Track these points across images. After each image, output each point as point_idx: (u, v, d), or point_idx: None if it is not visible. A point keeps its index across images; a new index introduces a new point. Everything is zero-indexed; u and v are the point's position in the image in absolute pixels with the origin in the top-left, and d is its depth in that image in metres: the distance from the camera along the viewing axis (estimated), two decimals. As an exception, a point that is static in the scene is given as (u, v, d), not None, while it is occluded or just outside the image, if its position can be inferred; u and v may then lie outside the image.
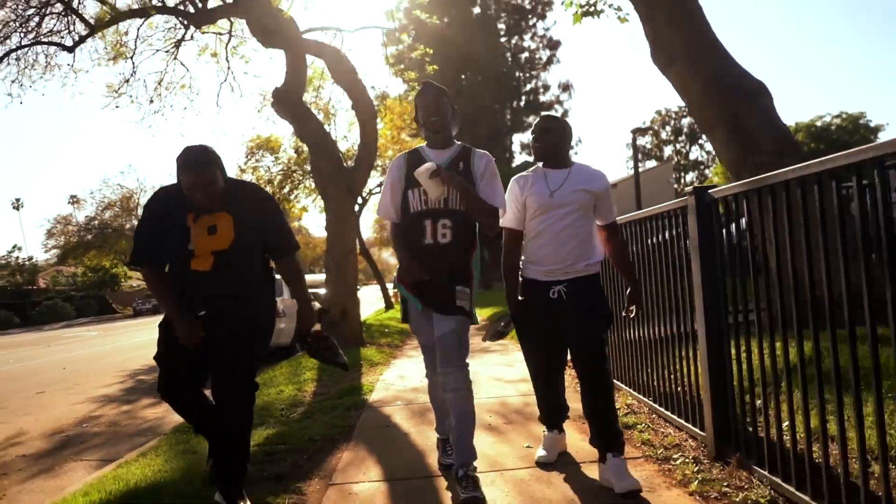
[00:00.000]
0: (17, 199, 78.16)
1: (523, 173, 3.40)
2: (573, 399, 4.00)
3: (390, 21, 17.13)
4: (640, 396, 4.55)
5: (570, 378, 5.24)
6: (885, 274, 2.06)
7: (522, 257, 3.39)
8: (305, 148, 17.57)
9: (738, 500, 2.72)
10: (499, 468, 3.51)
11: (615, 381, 5.02)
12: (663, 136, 66.56)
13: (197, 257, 3.00)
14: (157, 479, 3.66)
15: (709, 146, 53.97)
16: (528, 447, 3.87)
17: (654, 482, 3.09)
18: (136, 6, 13.25)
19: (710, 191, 3.30)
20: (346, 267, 10.32)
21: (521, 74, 46.60)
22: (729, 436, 3.22)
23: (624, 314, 3.85)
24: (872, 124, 41.59)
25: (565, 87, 46.87)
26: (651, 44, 7.55)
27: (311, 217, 62.57)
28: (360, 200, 19.73)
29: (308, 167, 19.65)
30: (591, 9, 8.62)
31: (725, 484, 2.92)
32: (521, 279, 3.39)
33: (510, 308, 3.40)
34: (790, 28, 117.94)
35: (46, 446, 5.84)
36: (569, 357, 3.43)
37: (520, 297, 3.37)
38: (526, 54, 46.98)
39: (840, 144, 34.82)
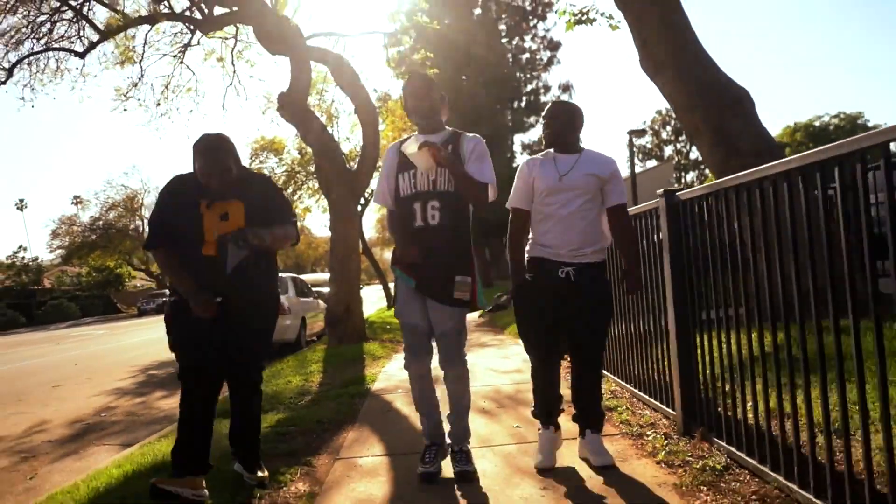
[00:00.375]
0: (21, 200, 78.71)
1: (534, 157, 3.46)
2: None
3: (392, 23, 17.50)
4: (623, 383, 4.92)
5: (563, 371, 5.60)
6: (820, 270, 2.43)
7: (529, 238, 3.44)
8: (309, 150, 17.99)
9: (697, 466, 3.09)
10: (490, 444, 3.88)
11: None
12: (664, 135, 66.84)
13: (208, 243, 3.12)
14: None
15: (709, 146, 54.17)
16: (517, 427, 4.24)
17: (626, 454, 3.47)
18: (144, 12, 13.66)
19: (678, 193, 3.67)
20: (350, 266, 10.69)
21: (522, 75, 46.92)
22: (694, 414, 3.59)
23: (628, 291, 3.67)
24: (871, 124, 41.94)
25: (566, 88, 47.15)
26: (640, 52, 7.91)
27: (313, 217, 63.08)
28: (362, 201, 20.12)
29: (311, 168, 20.05)
30: (584, 17, 8.97)
31: (689, 454, 3.29)
32: (526, 258, 3.41)
33: (515, 281, 3.39)
34: (789, 28, 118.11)
35: (69, 433, 6.23)
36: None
37: (527, 276, 3.35)
38: (527, 55, 47.28)
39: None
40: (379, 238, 41.11)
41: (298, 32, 10.55)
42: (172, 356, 3.22)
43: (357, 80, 10.70)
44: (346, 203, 10.56)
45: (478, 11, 44.56)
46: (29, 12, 13.68)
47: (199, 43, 14.78)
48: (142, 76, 15.17)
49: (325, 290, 12.75)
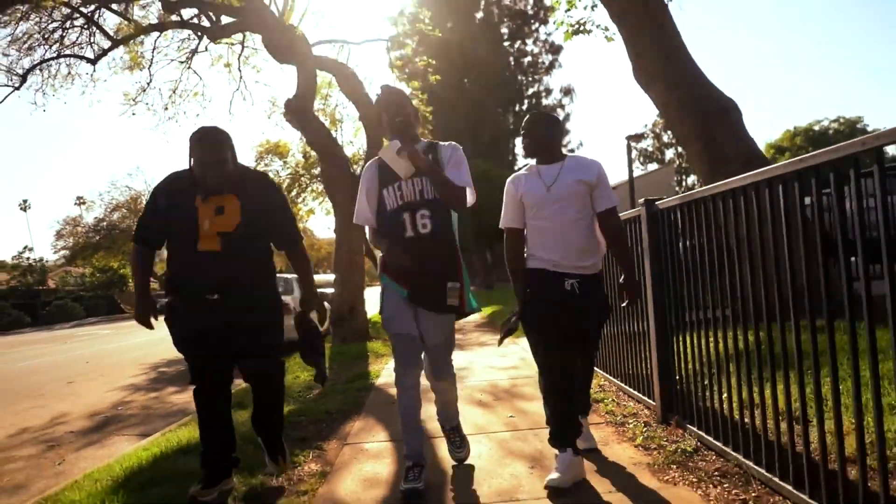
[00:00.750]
0: (25, 201, 79.12)
1: (518, 172, 3.43)
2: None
3: (394, 27, 17.77)
4: (610, 377, 5.27)
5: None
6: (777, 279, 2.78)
7: (527, 251, 3.36)
8: (313, 153, 18.36)
9: (671, 449, 3.44)
10: (486, 431, 4.23)
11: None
12: (665, 139, 67.14)
13: (203, 237, 3.08)
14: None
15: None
16: (511, 417, 4.59)
17: (609, 439, 3.82)
18: (153, 19, 14.04)
19: (656, 203, 4.02)
20: (354, 267, 11.05)
21: (524, 79, 47.28)
22: (671, 404, 3.94)
23: (622, 304, 3.67)
24: (870, 129, 42.23)
25: (567, 92, 47.57)
26: (633, 64, 8.27)
27: (316, 219, 63.48)
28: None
29: (315, 171, 20.43)
30: (581, 28, 9.33)
31: (664, 439, 3.64)
32: (527, 270, 3.34)
33: (519, 301, 3.30)
34: (790, 32, 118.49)
35: (89, 425, 6.58)
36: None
37: (528, 290, 3.28)
38: (528, 59, 47.63)
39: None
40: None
41: (305, 41, 10.91)
42: (180, 354, 3.29)
43: (361, 87, 11.06)
44: (350, 206, 10.89)
45: (480, 15, 44.95)
46: (41, 19, 14.04)
47: (206, 49, 15.17)
48: (150, 81, 15.56)
49: (330, 290, 13.09)
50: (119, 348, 16.66)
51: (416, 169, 3.17)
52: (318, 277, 19.10)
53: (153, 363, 12.09)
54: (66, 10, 13.74)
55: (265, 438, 3.49)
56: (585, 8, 9.35)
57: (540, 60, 47.48)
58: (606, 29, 9.43)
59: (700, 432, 3.48)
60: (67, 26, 14.13)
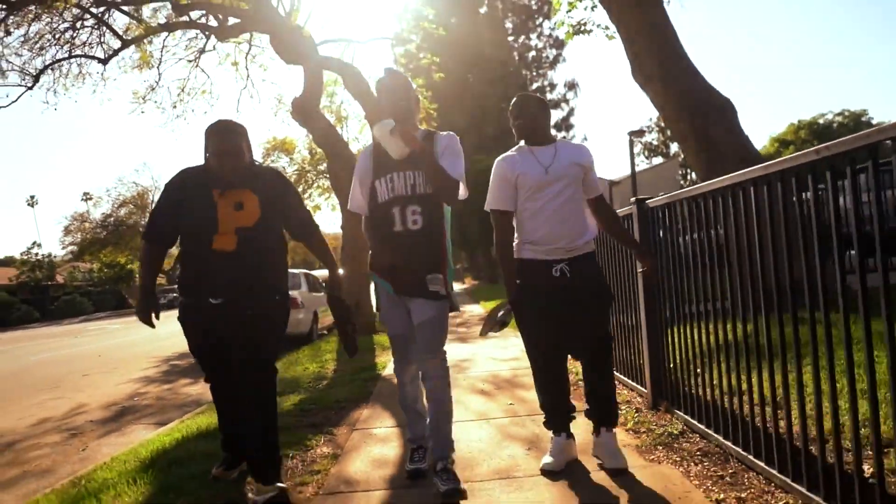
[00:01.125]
0: (32, 196, 79.60)
1: (507, 153, 3.32)
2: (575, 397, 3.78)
3: (398, 23, 17.93)
4: (607, 368, 5.52)
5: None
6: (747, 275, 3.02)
7: (517, 239, 3.31)
8: (319, 150, 18.64)
9: (659, 432, 3.70)
10: (486, 418, 4.48)
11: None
12: (669, 133, 67.14)
13: (220, 234, 3.02)
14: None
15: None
16: (510, 404, 4.85)
17: (601, 424, 4.07)
18: (162, 19, 14.29)
19: (647, 201, 4.26)
20: (360, 262, 11.31)
21: (528, 73, 47.41)
22: (661, 391, 4.19)
23: (640, 271, 3.95)
24: (875, 122, 42.24)
25: (571, 86, 47.70)
26: (631, 62, 8.49)
27: (322, 215, 63.73)
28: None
29: (321, 167, 20.70)
30: (582, 28, 9.55)
31: (654, 423, 3.89)
32: (518, 261, 3.29)
33: (509, 292, 3.23)
34: (793, 25, 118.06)
35: (107, 414, 6.87)
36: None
37: (517, 281, 3.24)
38: (533, 53, 47.78)
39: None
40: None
41: (311, 42, 11.15)
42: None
43: (366, 86, 11.29)
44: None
45: (484, 10, 45.04)
46: (52, 20, 14.30)
47: (214, 48, 15.43)
48: (159, 80, 15.86)
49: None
50: (129, 342, 16.99)
51: (409, 150, 3.06)
52: (324, 272, 19.38)
53: (164, 356, 12.39)
54: (76, 11, 14.01)
55: (254, 458, 3.09)
56: (586, 9, 9.57)
57: (544, 55, 47.64)
58: (607, 28, 9.66)
59: (686, 416, 3.73)
60: (78, 27, 14.38)
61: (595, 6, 9.29)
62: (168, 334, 16.31)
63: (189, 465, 3.72)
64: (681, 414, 3.82)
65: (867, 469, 2.41)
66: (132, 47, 14.59)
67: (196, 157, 3.46)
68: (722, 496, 2.72)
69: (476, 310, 15.47)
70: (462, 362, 7.08)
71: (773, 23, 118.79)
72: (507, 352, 7.74)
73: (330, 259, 3.45)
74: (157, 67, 15.43)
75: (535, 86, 46.78)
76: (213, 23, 13.34)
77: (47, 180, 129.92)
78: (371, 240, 3.25)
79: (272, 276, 3.20)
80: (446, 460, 3.06)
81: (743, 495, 2.70)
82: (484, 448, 3.76)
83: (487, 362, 7.05)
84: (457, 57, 36.65)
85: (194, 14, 13.83)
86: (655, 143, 67.15)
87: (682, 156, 65.13)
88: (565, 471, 3.24)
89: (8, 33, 12.23)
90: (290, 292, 11.03)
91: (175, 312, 3.31)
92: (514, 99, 3.39)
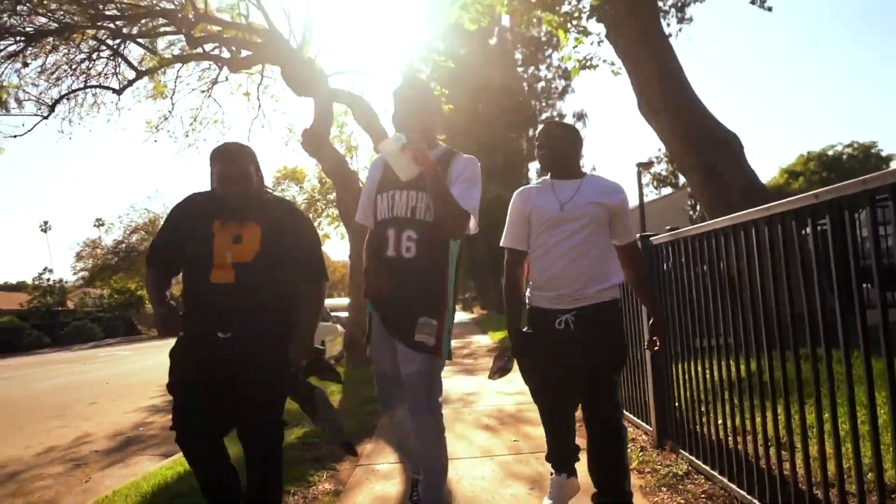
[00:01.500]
0: (45, 222, 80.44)
1: (528, 185, 3.08)
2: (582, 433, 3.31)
3: (408, 53, 18.21)
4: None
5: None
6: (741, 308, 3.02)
7: (528, 283, 3.04)
8: (328, 179, 18.79)
9: (663, 472, 3.66)
10: (490, 455, 4.45)
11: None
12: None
13: (217, 267, 2.74)
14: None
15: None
16: (514, 441, 4.82)
17: (605, 463, 4.03)
18: (176, 51, 14.56)
19: (651, 238, 4.27)
20: (367, 292, 11.34)
21: (537, 103, 47.78)
22: (666, 430, 4.16)
23: (647, 348, 3.67)
24: (884, 153, 42.21)
25: (580, 116, 47.98)
26: (637, 96, 8.56)
27: (332, 243, 64.03)
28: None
29: (330, 196, 20.84)
30: (588, 63, 9.64)
31: (658, 463, 3.86)
32: (527, 307, 3.06)
33: (511, 340, 2.97)
34: (802, 55, 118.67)
35: (112, 444, 6.86)
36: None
37: (525, 329, 2.98)
38: (542, 84, 48.21)
39: (851, 174, 35.51)
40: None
41: (322, 74, 11.32)
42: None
43: (375, 119, 11.42)
44: (364, 232, 11.21)
45: (494, 41, 45.61)
46: (69, 51, 14.59)
47: (226, 79, 15.68)
48: (172, 109, 16.08)
49: (344, 314, 13.36)
50: (138, 369, 17.00)
51: (423, 170, 2.64)
52: (333, 301, 19.42)
53: (171, 385, 12.35)
54: (93, 43, 14.29)
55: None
56: (592, 44, 9.68)
57: (553, 86, 48.02)
58: (612, 63, 9.74)
59: (691, 457, 3.70)
60: (94, 58, 14.65)
61: (601, 41, 9.41)
62: (175, 362, 16.11)
63: (190, 497, 3.71)
64: (686, 454, 3.79)
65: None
66: (146, 78, 14.86)
67: (206, 186, 3.09)
68: (725, 541, 2.69)
69: (484, 340, 15.43)
70: (468, 396, 7.05)
71: (781, 53, 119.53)
72: (514, 385, 7.69)
73: (311, 319, 2.84)
74: (171, 97, 15.67)
75: (543, 116, 47.08)
76: (225, 54, 13.58)
77: (61, 207, 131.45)
78: (366, 260, 2.93)
79: (276, 316, 2.80)
80: None
81: (746, 540, 2.67)
82: (486, 486, 3.74)
83: (493, 396, 7.01)
84: (466, 87, 37.00)
85: (208, 46, 14.11)
86: (664, 173, 67.20)
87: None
88: (567, 511, 3.21)
89: (25, 65, 12.44)
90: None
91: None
92: (541, 126, 3.06)
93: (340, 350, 13.94)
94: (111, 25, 12.58)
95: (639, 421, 4.72)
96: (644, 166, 19.60)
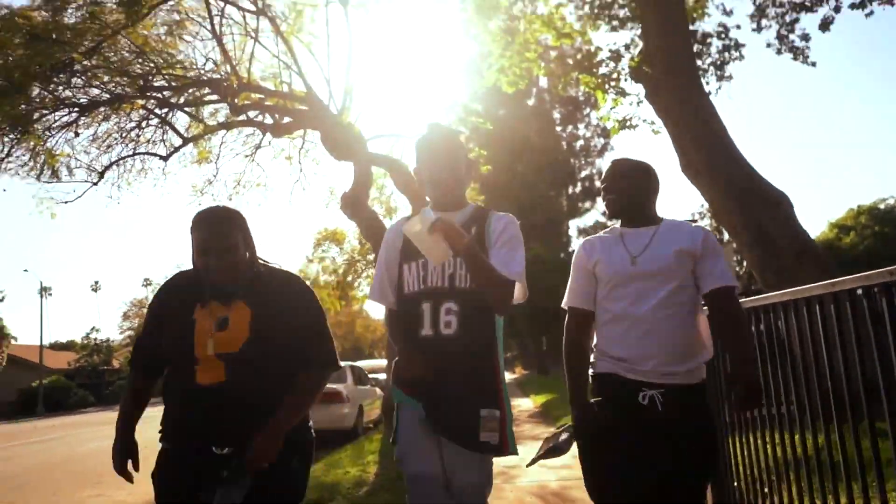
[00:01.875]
0: (96, 282, 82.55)
1: (593, 236, 2.62)
2: None
3: (448, 115, 18.50)
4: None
5: None
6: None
7: (594, 347, 2.52)
8: (367, 242, 18.93)
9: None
10: (532, 540, 4.18)
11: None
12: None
13: (201, 363, 2.22)
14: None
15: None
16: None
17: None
18: (221, 118, 14.99)
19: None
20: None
21: (576, 161, 47.93)
22: (724, 515, 3.85)
23: (735, 409, 3.30)
24: (937, 206, 40.94)
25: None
26: (679, 156, 8.40)
27: (369, 304, 64.08)
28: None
29: (370, 257, 20.93)
30: (627, 123, 9.56)
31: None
32: (591, 375, 2.50)
33: (575, 415, 2.43)
34: (850, 106, 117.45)
35: (145, 517, 6.71)
36: None
37: (596, 400, 2.43)
38: (580, 142, 48.44)
39: (903, 227, 34.47)
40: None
41: (361, 139, 11.46)
42: None
43: (414, 183, 11.46)
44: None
45: (531, 101, 46.19)
46: (120, 120, 15.15)
47: (269, 143, 16.04)
48: (216, 174, 16.47)
49: (383, 376, 13.17)
50: (177, 432, 16.91)
51: (456, 255, 2.23)
52: (370, 363, 19.28)
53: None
54: (143, 112, 14.83)
55: None
56: (631, 104, 9.61)
57: (592, 144, 48.17)
58: (652, 123, 9.64)
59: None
60: (143, 126, 15.19)
61: (640, 101, 9.34)
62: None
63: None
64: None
65: None
66: (191, 143, 15.29)
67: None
68: None
69: (526, 404, 15.03)
70: (509, 469, 6.75)
71: (825, 105, 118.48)
72: (558, 459, 7.37)
73: (292, 412, 2.24)
74: (215, 162, 16.07)
75: (583, 174, 47.18)
76: (268, 121, 13.94)
77: (110, 267, 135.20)
78: (394, 342, 2.47)
79: (286, 448, 2.20)
80: None
81: None
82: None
83: (536, 470, 6.68)
84: (504, 147, 37.34)
85: (251, 113, 14.49)
86: (708, 228, 66.28)
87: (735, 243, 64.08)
88: None
89: (76, 134, 12.91)
90: (335, 386, 10.68)
91: None
92: (609, 165, 2.62)
93: (379, 415, 13.70)
94: (159, 95, 13.02)
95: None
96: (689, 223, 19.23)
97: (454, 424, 2.26)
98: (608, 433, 2.32)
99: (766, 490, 3.37)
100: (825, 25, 9.54)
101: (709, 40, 10.87)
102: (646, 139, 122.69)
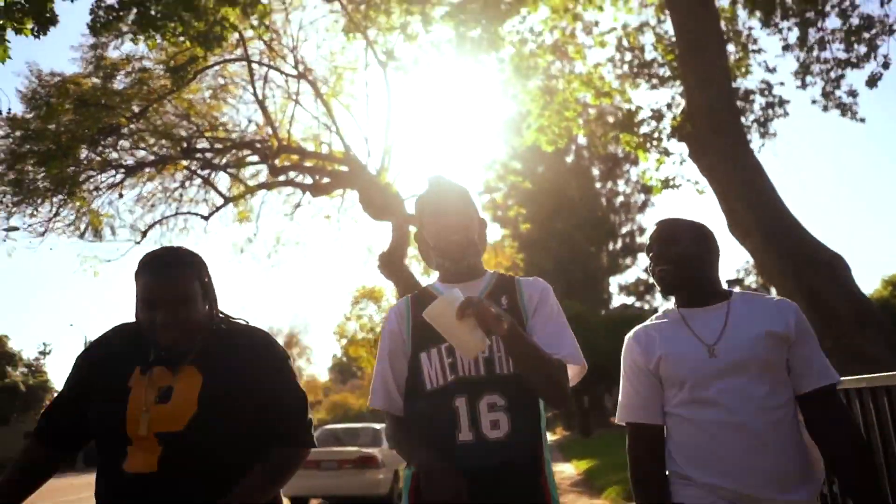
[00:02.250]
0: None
1: (644, 326, 2.00)
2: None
3: (487, 172, 18.59)
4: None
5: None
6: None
7: (670, 473, 1.88)
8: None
9: None
10: None
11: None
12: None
13: (134, 445, 1.70)
14: None
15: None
16: None
17: None
18: (262, 178, 15.26)
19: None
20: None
21: (617, 218, 47.60)
22: None
23: None
24: None
25: (661, 230, 47.29)
26: (727, 218, 8.11)
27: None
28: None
29: (408, 315, 20.78)
30: (671, 183, 9.34)
31: None
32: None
33: None
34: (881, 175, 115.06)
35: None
36: None
37: None
38: (621, 198, 48.16)
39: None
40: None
41: (398, 199, 11.47)
42: None
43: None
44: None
45: (570, 159, 46.26)
46: (164, 180, 15.52)
47: (309, 203, 16.24)
48: (256, 233, 16.67)
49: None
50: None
51: (499, 337, 1.72)
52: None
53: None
54: (185, 172, 15.20)
55: None
56: (674, 163, 9.41)
57: (633, 200, 47.82)
58: (696, 182, 9.41)
59: None
60: (186, 186, 15.56)
61: (684, 160, 9.13)
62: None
63: None
64: None
65: None
66: (232, 203, 15.57)
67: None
68: None
69: (568, 470, 14.40)
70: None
71: (877, 159, 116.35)
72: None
73: (263, 486, 1.76)
74: (256, 221, 16.30)
75: (623, 230, 46.74)
76: (307, 181, 14.13)
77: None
78: (414, 454, 1.82)
79: None
80: None
81: None
82: None
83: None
84: (543, 203, 37.30)
85: (291, 173, 14.73)
86: (755, 285, 64.84)
87: (784, 299, 62.27)
88: None
89: (120, 196, 13.22)
90: (369, 450, 10.37)
91: None
92: (655, 227, 2.04)
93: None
94: (202, 157, 13.31)
95: None
96: (733, 283, 18.73)
97: None
98: None
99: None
100: (873, 81, 9.27)
101: (751, 97, 10.66)
102: (687, 196, 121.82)
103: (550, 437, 34.24)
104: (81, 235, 12.70)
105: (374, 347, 20.91)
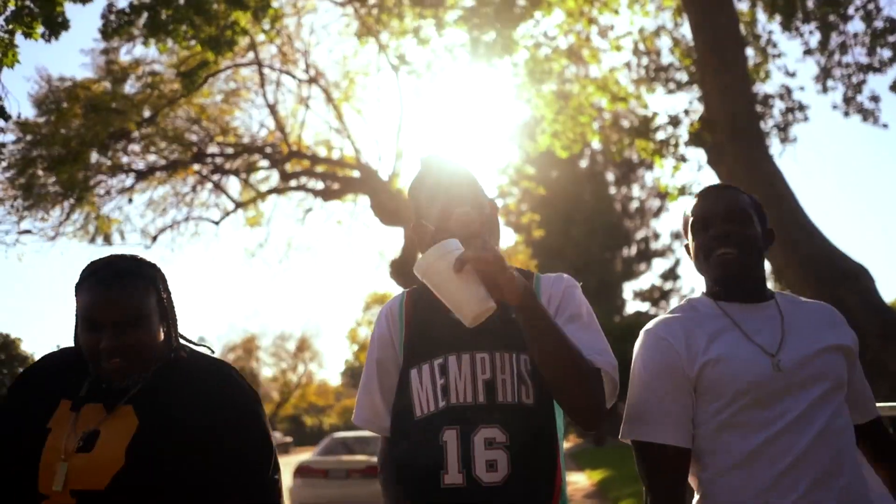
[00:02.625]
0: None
1: (668, 317, 1.57)
2: None
3: (500, 177, 18.35)
4: None
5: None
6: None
7: (697, 496, 1.51)
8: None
9: None
10: None
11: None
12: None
13: (50, 501, 1.35)
14: None
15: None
16: None
17: None
18: (273, 183, 15.20)
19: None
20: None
21: (631, 223, 47.24)
22: None
23: None
24: None
25: (677, 236, 46.81)
26: (746, 226, 7.90)
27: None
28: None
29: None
30: (688, 190, 9.14)
31: None
32: None
33: None
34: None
35: None
36: None
37: None
38: (635, 203, 47.81)
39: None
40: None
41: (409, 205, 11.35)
42: None
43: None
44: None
45: (584, 164, 45.94)
46: (174, 185, 15.50)
47: (321, 208, 16.16)
48: (267, 238, 16.61)
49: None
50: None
51: (502, 293, 1.23)
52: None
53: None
54: (196, 177, 15.16)
55: None
56: (691, 170, 9.20)
57: (647, 205, 47.40)
58: (714, 189, 9.18)
59: None
60: (197, 190, 15.52)
61: (701, 167, 8.91)
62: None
63: None
64: None
65: None
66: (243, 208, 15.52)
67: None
68: None
69: (581, 481, 14.14)
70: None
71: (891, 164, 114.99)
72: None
73: None
74: (267, 226, 16.24)
75: (638, 236, 46.33)
76: (318, 186, 14.05)
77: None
78: (391, 496, 1.51)
79: None
80: None
81: None
82: None
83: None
84: (557, 209, 37.03)
85: (303, 178, 14.66)
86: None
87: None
88: None
89: (130, 201, 13.19)
90: (376, 458, 10.48)
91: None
92: (710, 196, 1.62)
93: None
94: (212, 161, 13.26)
95: None
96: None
97: None
98: None
99: None
100: (896, 86, 9.03)
101: (771, 102, 10.43)
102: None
103: (564, 444, 33.72)
104: (91, 240, 12.67)
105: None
